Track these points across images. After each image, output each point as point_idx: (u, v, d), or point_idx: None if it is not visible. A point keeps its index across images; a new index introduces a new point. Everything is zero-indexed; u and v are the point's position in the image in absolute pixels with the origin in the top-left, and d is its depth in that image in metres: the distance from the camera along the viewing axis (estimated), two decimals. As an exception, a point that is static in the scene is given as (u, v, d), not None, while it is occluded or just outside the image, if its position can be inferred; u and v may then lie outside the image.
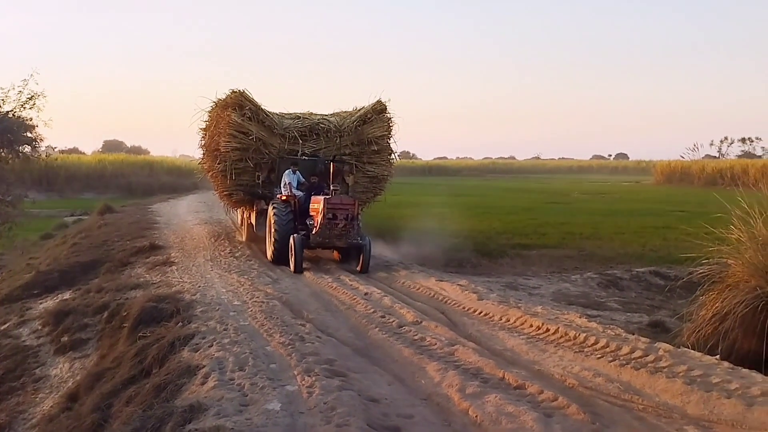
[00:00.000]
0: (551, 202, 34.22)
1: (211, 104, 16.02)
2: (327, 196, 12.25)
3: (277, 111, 15.64)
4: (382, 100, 15.62)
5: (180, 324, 7.97)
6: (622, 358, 6.15)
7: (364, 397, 5.17)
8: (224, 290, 10.21)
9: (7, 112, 7.45)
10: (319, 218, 12.20)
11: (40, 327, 11.67)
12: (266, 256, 13.72)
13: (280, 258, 12.85)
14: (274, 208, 13.33)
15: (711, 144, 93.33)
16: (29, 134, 8.29)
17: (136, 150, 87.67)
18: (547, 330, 7.44)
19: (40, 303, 13.35)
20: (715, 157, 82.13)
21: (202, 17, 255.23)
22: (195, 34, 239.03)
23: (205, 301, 9.24)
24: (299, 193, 13.67)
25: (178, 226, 20.79)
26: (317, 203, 12.51)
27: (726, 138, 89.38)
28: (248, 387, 5.31)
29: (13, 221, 9.05)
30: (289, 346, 6.60)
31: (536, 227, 21.80)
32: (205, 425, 4.43)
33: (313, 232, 12.30)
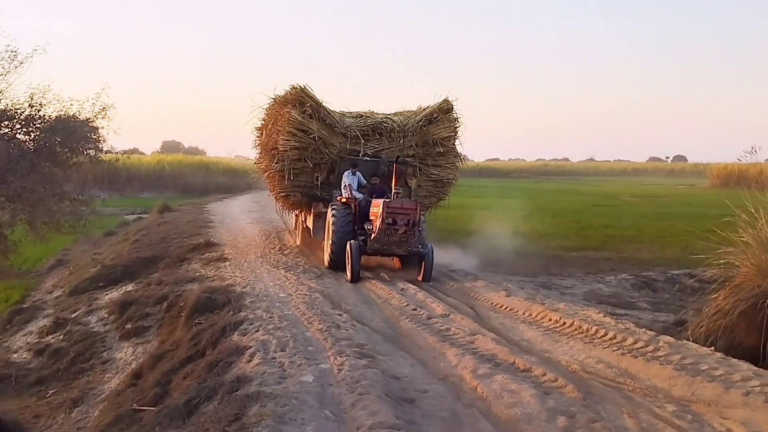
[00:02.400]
0: (599, 205, 34.23)
1: (270, 101, 15.41)
2: (387, 200, 11.71)
3: (337, 110, 14.92)
4: (449, 99, 14.82)
5: (231, 312, 8.88)
6: (625, 348, 6.77)
7: (387, 374, 5.93)
8: (272, 284, 11.08)
9: (83, 120, 8.43)
10: (377, 223, 11.67)
11: (106, 315, 12.83)
12: (323, 263, 13.09)
13: (337, 264, 12.31)
14: (333, 210, 12.71)
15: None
16: (93, 136, 9.28)
17: (193, 151, 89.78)
18: (564, 323, 8.07)
19: (106, 294, 14.55)
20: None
21: (258, 18, 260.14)
22: (250, 35, 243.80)
23: (254, 293, 10.13)
24: (359, 196, 13.11)
25: (232, 225, 21.89)
26: (377, 207, 11.94)
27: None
28: (287, 364, 6.13)
29: (86, 218, 10.14)
30: (326, 332, 7.41)
31: (579, 230, 22.04)
32: (249, 391, 5.26)
33: (371, 238, 11.72)
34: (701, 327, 7.42)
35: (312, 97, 14.01)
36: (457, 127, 14.76)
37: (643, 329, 7.53)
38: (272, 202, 18.38)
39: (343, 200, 12.92)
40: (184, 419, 5.38)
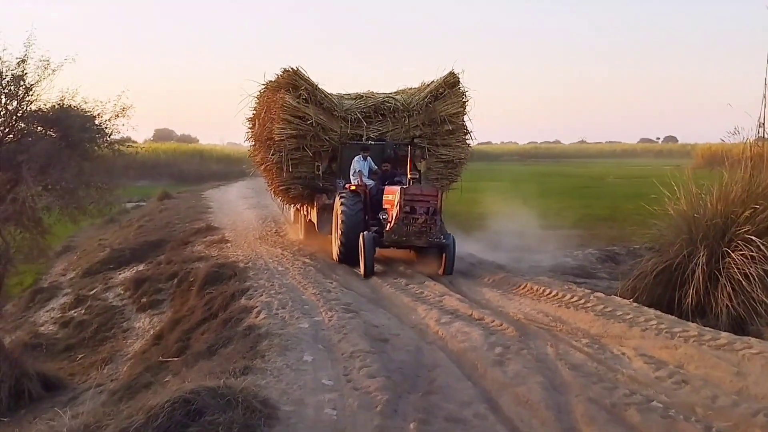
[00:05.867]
0: (583, 187, 35.57)
1: (261, 87, 14.29)
2: (404, 186, 10.79)
3: (334, 92, 13.79)
4: (455, 72, 13.72)
5: (237, 283, 10.37)
6: (563, 302, 8.32)
7: (368, 323, 7.41)
8: (271, 260, 12.53)
9: (105, 120, 9.73)
10: (394, 212, 10.68)
11: (122, 292, 14.31)
12: (332, 256, 12.20)
13: (347, 257, 11.41)
14: (341, 199, 11.66)
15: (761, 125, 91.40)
16: (108, 130, 10.59)
17: (186, 138, 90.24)
18: (519, 285, 9.62)
19: (119, 274, 16.01)
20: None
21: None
22: (237, 19, 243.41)
23: (256, 267, 11.60)
24: (370, 183, 12.10)
25: (230, 210, 23.31)
26: (392, 194, 11.00)
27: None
28: (288, 317, 7.62)
29: (110, 205, 11.56)
30: (319, 295, 8.90)
31: (558, 210, 23.49)
32: (259, 332, 6.77)
33: (387, 229, 10.72)
34: (629, 286, 8.96)
35: (306, 80, 12.94)
36: (465, 102, 13.73)
37: (582, 288, 9.07)
38: (266, 188, 17.40)
39: (353, 188, 11.92)
40: (209, 358, 6.86)
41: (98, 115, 9.92)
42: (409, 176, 11.34)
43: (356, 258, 11.02)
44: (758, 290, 7.59)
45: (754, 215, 8.16)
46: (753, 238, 7.96)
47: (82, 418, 4.26)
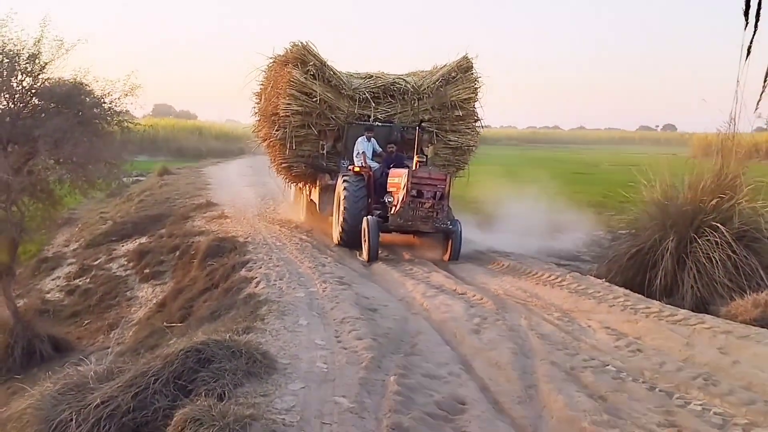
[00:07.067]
0: (577, 173, 36.18)
1: (269, 61, 13.91)
2: (412, 169, 10.60)
3: (343, 71, 13.48)
4: (468, 57, 13.53)
5: (237, 256, 10.97)
6: (541, 279, 8.96)
7: (359, 295, 8.03)
8: (269, 236, 13.12)
9: (115, 99, 10.21)
10: (400, 195, 10.50)
11: (125, 263, 14.90)
12: (332, 238, 12.17)
13: (349, 241, 11.28)
14: (344, 181, 11.48)
15: (759, 116, 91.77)
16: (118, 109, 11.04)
17: (185, 114, 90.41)
18: (503, 265, 10.24)
19: (122, 246, 16.58)
20: (764, 129, 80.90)
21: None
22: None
23: (255, 242, 12.19)
24: (374, 165, 11.98)
25: (229, 187, 23.83)
26: (398, 177, 10.81)
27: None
28: (285, 288, 8.24)
29: (120, 179, 12.09)
30: (314, 269, 9.52)
31: (551, 195, 24.04)
32: (259, 299, 7.39)
33: (392, 212, 10.56)
34: (604, 267, 9.60)
35: (315, 56, 12.71)
36: (477, 88, 13.49)
37: (562, 268, 9.70)
38: (266, 167, 17.15)
39: (356, 170, 11.76)
40: (212, 322, 7.48)
41: (108, 93, 10.43)
42: (416, 159, 10.98)
43: (358, 242, 10.91)
44: (720, 273, 8.25)
45: (720, 204, 8.80)
46: (718, 225, 8.59)
47: (104, 364, 4.88)
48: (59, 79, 10.25)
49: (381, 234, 10.72)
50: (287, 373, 4.90)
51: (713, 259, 8.37)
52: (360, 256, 10.86)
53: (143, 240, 16.40)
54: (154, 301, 12.00)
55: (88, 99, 10.12)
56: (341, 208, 11.42)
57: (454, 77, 13.29)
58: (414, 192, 10.31)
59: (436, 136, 13.34)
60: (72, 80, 10.27)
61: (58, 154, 9.80)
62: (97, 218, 21.99)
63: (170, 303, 10.53)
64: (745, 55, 8.98)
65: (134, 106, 11.26)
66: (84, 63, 12.02)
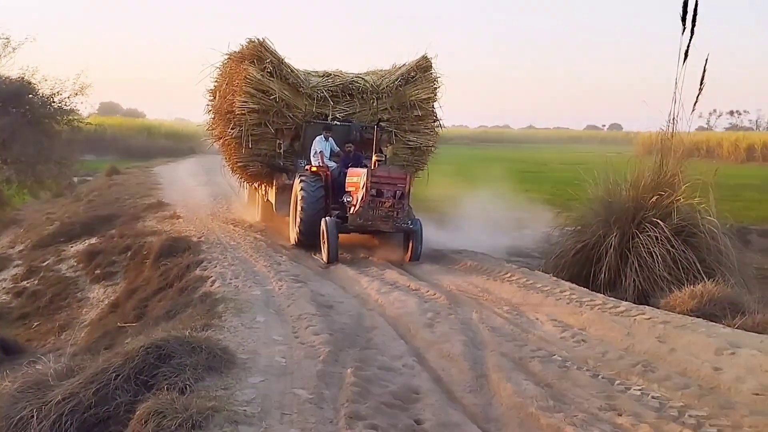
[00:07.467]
0: (527, 171, 36.92)
1: (224, 58, 13.66)
2: (370, 168, 10.50)
3: (301, 68, 13.27)
4: (428, 56, 13.46)
5: (191, 255, 10.95)
6: (492, 275, 9.25)
7: (314, 292, 8.17)
8: (223, 235, 13.11)
9: (63, 98, 10.08)
10: (359, 195, 10.32)
11: (75, 263, 14.68)
12: (289, 240, 12.07)
13: (307, 242, 11.16)
14: (302, 182, 11.29)
15: (699, 116, 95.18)
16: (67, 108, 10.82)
17: (132, 113, 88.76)
18: (456, 262, 10.51)
19: (71, 247, 16.31)
20: (705, 128, 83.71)
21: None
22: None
23: (209, 241, 12.19)
24: (332, 165, 11.80)
25: (180, 187, 23.57)
26: (356, 177, 10.66)
27: (714, 110, 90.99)
28: (241, 286, 8.32)
29: (69, 180, 11.92)
30: (269, 267, 9.61)
31: (500, 194, 24.48)
32: (215, 298, 7.46)
33: (352, 212, 10.43)
34: (551, 263, 9.96)
35: (272, 53, 12.55)
36: (436, 88, 13.46)
37: (510, 264, 10.02)
38: (218, 166, 17.32)
39: (314, 169, 11.64)
40: (168, 321, 7.51)
41: (58, 92, 10.32)
42: (374, 158, 10.90)
43: (315, 243, 10.82)
44: (660, 267, 8.68)
45: (660, 201, 9.24)
46: (658, 221, 9.04)
47: (63, 363, 4.92)
48: (6, 78, 10.08)
49: (340, 235, 10.58)
50: (247, 367, 5.02)
51: (654, 254, 8.80)
52: (316, 256, 10.82)
53: (93, 241, 16.16)
54: (107, 302, 11.90)
55: (36, 98, 9.96)
56: (298, 208, 11.26)
57: (413, 77, 13.26)
58: (374, 191, 10.19)
59: (395, 136, 13.24)
60: (19, 79, 10.11)
61: (6, 155, 9.65)
62: (44, 219, 21.44)
63: (124, 303, 10.48)
64: (683, 58, 9.50)
65: (83, 105, 11.14)
66: (31, 62, 11.85)
